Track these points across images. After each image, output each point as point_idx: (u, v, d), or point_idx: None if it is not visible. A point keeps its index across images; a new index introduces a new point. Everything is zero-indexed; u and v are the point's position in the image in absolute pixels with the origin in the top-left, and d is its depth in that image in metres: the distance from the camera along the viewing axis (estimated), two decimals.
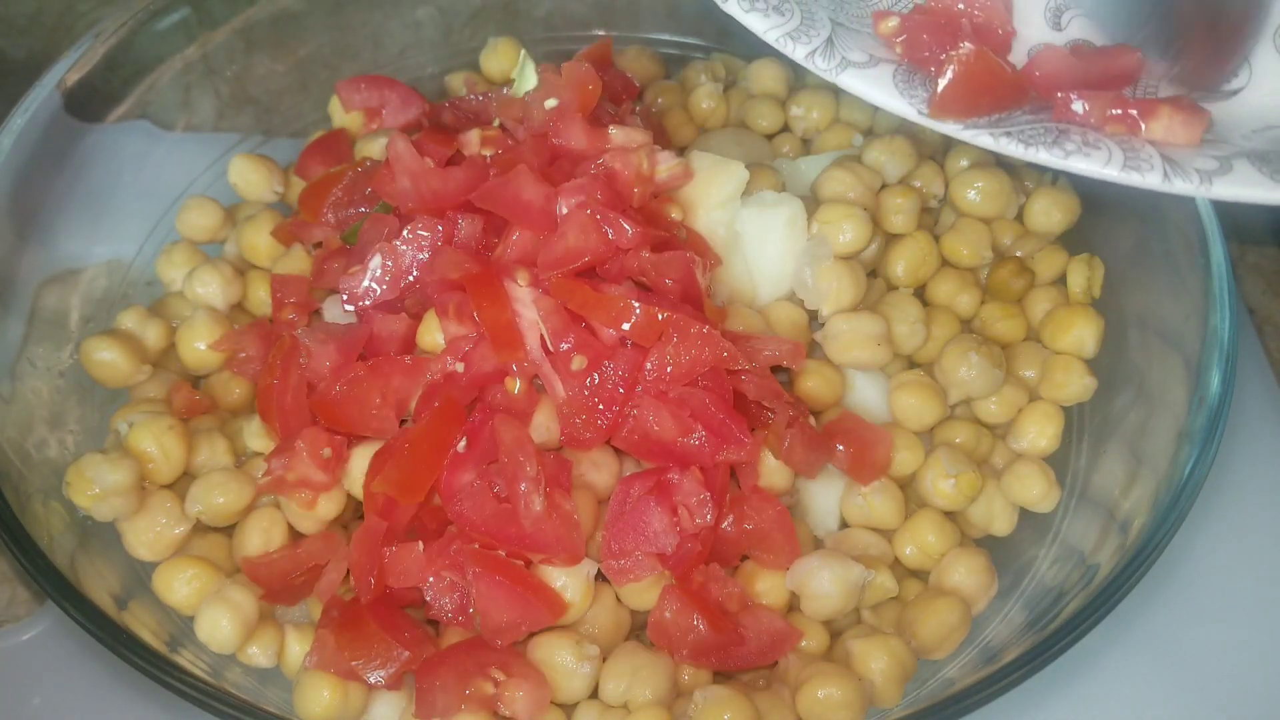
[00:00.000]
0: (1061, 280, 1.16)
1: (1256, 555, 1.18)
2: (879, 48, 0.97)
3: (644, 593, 0.94)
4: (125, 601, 0.95)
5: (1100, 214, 1.18)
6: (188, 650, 0.94)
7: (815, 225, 1.09)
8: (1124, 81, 0.96)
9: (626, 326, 0.94)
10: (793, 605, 0.98)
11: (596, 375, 0.94)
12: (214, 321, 1.09)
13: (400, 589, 0.92)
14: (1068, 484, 1.08)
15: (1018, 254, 1.17)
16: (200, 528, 1.01)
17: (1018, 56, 1.01)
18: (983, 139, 0.91)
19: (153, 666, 0.87)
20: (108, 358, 1.07)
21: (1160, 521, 0.92)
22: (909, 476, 1.05)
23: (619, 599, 0.96)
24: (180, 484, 1.02)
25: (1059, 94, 0.92)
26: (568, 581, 0.92)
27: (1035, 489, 1.04)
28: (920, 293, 1.15)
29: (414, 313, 1.01)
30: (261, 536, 0.98)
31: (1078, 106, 0.91)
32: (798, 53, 0.95)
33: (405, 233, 1.00)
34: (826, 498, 1.04)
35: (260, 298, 1.14)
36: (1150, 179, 0.88)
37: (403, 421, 0.98)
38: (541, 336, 0.96)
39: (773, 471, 0.98)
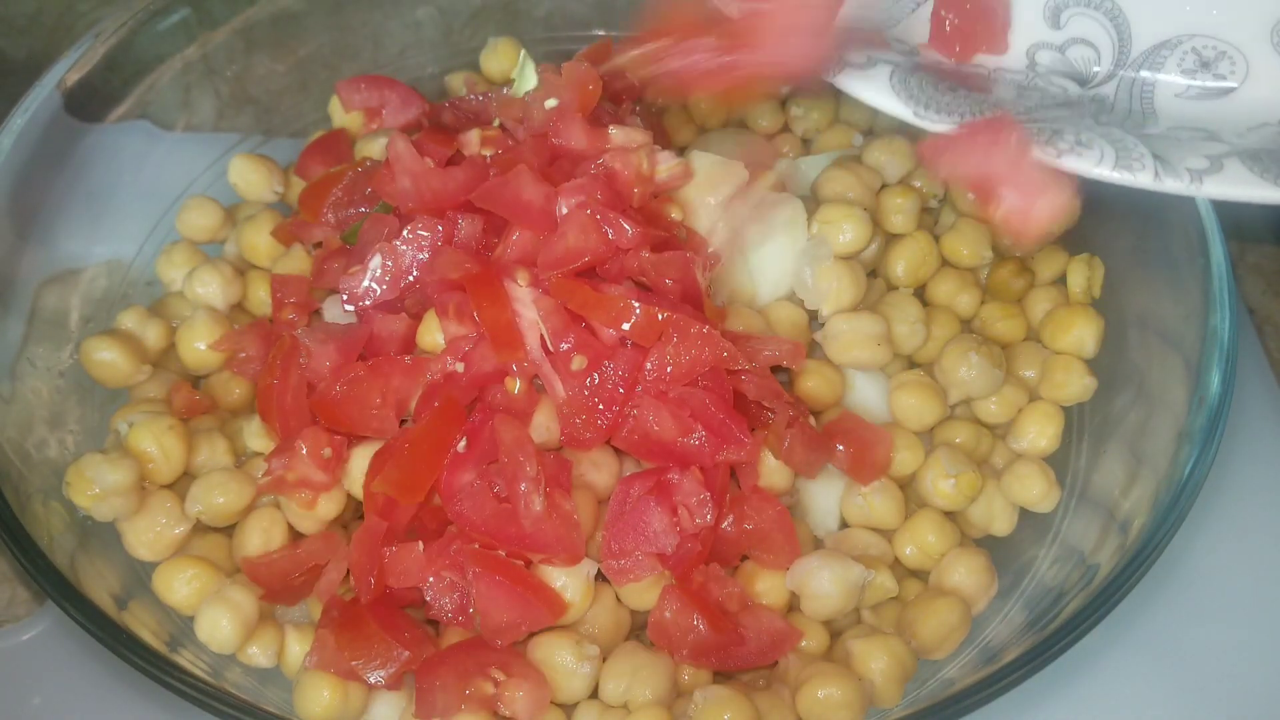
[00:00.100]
0: (1061, 280, 1.16)
1: (1256, 555, 1.18)
2: (876, 49, 0.97)
3: (644, 593, 0.94)
4: (125, 601, 0.95)
5: (1100, 214, 1.18)
6: (188, 650, 0.94)
7: (815, 225, 1.09)
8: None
9: (626, 326, 0.94)
10: (793, 605, 0.98)
11: (596, 375, 0.94)
12: (214, 321, 1.09)
13: (400, 589, 0.92)
14: (1068, 484, 1.08)
15: (1018, 254, 1.17)
16: (200, 528, 1.01)
17: (1015, 55, 1.01)
18: None
19: (153, 666, 0.87)
20: (108, 358, 1.07)
21: (1160, 521, 0.92)
22: (909, 476, 1.05)
23: (619, 599, 0.96)
24: (180, 484, 1.02)
25: None
26: (568, 581, 0.92)
27: (1035, 489, 1.04)
28: (920, 293, 1.15)
29: (414, 313, 1.01)
30: (261, 536, 0.98)
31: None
32: None
33: (405, 233, 1.00)
34: (826, 498, 1.04)
35: (260, 298, 1.14)
36: (1141, 178, 0.89)
37: (403, 421, 0.98)
38: (541, 336, 0.96)
39: (773, 471, 0.98)
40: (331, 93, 1.26)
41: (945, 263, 1.16)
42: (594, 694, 0.93)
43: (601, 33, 1.40)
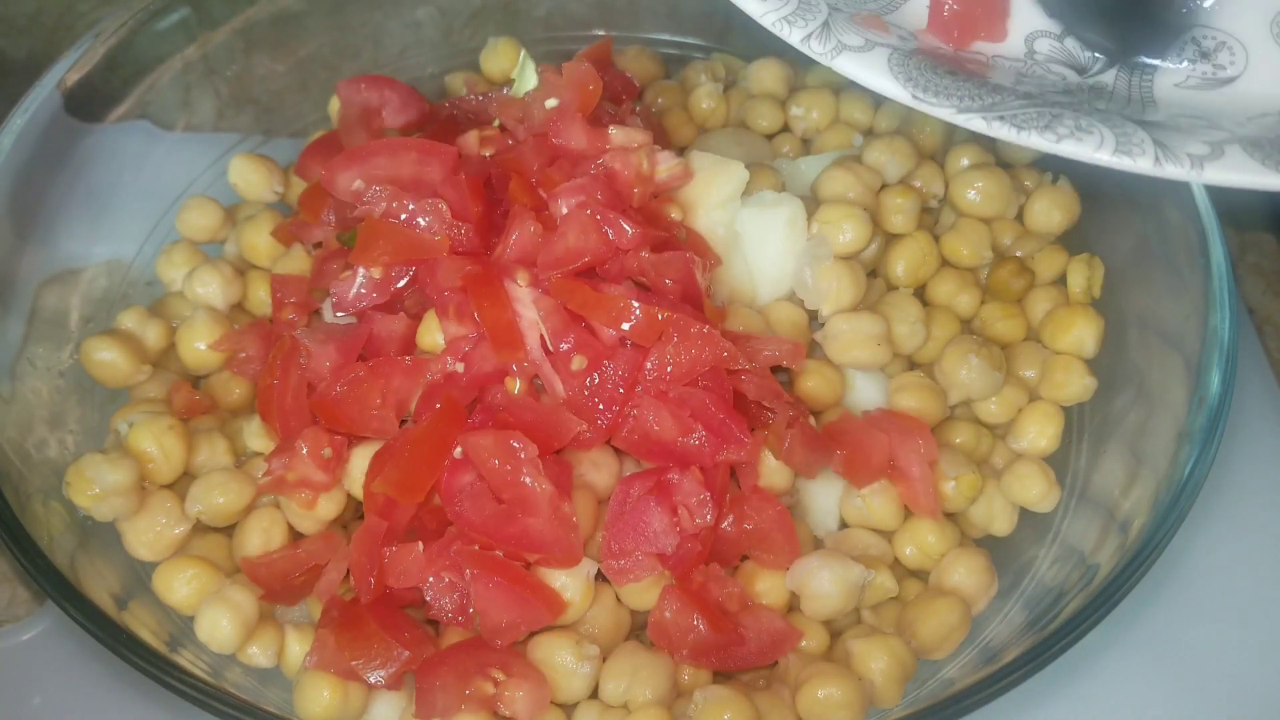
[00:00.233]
0: (1061, 280, 1.16)
1: (1256, 555, 1.18)
2: (875, 32, 0.96)
3: (644, 593, 0.94)
4: (125, 601, 0.95)
5: (1100, 214, 1.18)
6: (188, 650, 0.94)
7: (815, 225, 1.09)
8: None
9: (626, 326, 0.94)
10: (793, 605, 0.98)
11: (596, 375, 0.94)
12: (214, 321, 1.09)
13: (400, 589, 0.92)
14: (1068, 484, 1.08)
15: (1018, 254, 1.17)
16: (200, 528, 1.01)
17: (1014, 43, 1.01)
18: (975, 123, 0.90)
19: (153, 666, 0.87)
20: (108, 358, 1.07)
21: (1160, 521, 0.92)
22: None
23: (619, 599, 0.96)
24: (180, 484, 1.02)
25: None
26: (567, 581, 0.92)
27: (1035, 489, 1.04)
28: (920, 293, 1.15)
29: (414, 313, 1.02)
30: (261, 536, 0.98)
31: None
32: (793, 36, 0.94)
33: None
34: (826, 498, 1.04)
35: (260, 298, 1.14)
36: (1141, 163, 0.88)
37: (403, 422, 0.98)
38: (541, 336, 0.96)
39: (773, 471, 0.98)
40: (331, 93, 1.26)
41: (945, 263, 1.16)
42: (594, 694, 0.93)
43: (601, 33, 1.40)
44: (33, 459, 1.02)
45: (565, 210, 0.99)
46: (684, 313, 0.95)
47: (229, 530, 1.02)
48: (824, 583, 0.95)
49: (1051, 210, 1.17)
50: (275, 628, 0.97)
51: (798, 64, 1.30)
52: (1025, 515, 1.07)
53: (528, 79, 1.17)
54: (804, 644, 0.96)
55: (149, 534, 0.99)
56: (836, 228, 1.08)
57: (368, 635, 0.90)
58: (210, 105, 1.30)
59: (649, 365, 0.94)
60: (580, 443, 0.94)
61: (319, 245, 1.12)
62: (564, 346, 0.95)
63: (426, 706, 0.88)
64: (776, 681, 0.95)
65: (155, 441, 1.00)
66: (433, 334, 0.99)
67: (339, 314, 1.03)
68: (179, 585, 0.97)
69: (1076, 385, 1.09)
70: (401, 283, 1.01)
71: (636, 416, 0.94)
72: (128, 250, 1.21)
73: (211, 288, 1.13)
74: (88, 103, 1.17)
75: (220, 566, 0.99)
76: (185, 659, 0.91)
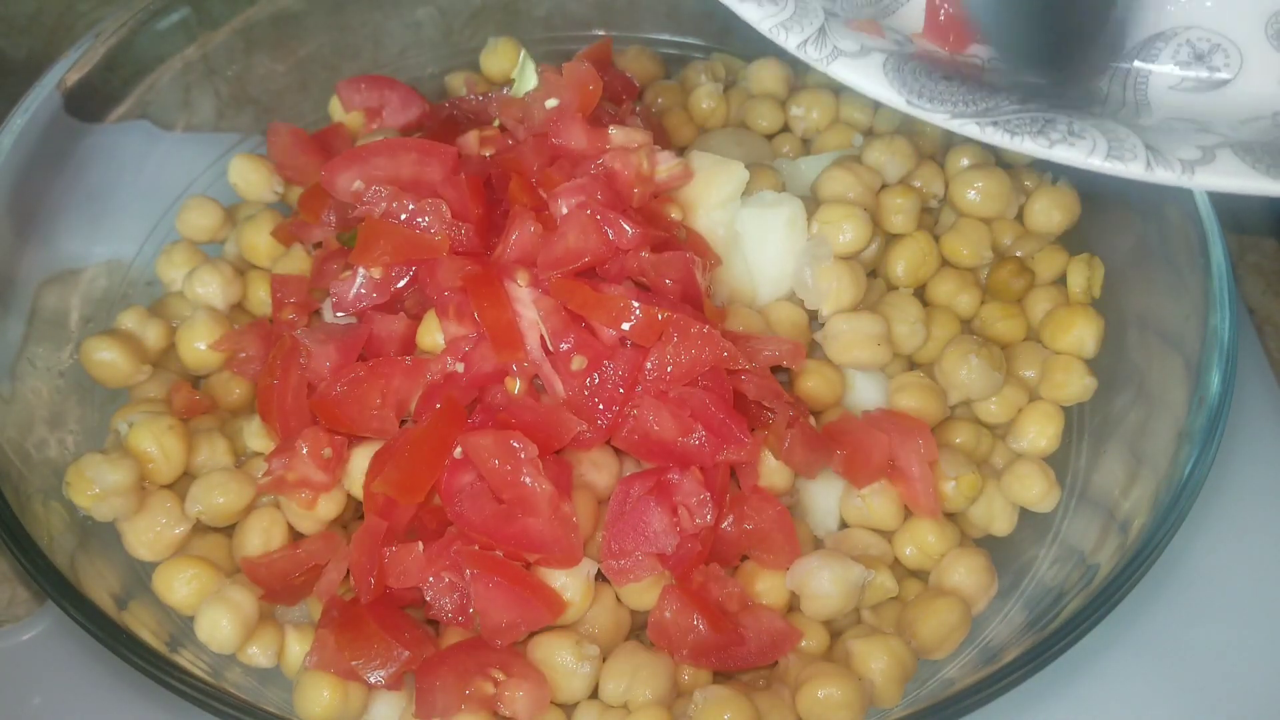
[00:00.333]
0: (1061, 280, 1.16)
1: (1256, 555, 1.18)
2: (870, 37, 0.96)
3: (644, 593, 0.94)
4: (125, 601, 0.95)
5: (1100, 214, 1.18)
6: (188, 650, 0.94)
7: (815, 225, 1.09)
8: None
9: (626, 326, 0.94)
10: (793, 605, 0.98)
11: (596, 375, 0.94)
12: (214, 321, 1.09)
13: (400, 589, 0.92)
14: (1068, 484, 1.08)
15: (1018, 254, 1.17)
16: (200, 528, 1.01)
17: None
18: (969, 128, 0.91)
19: (153, 666, 0.87)
20: (108, 358, 1.07)
21: (1160, 521, 0.92)
22: None
23: (619, 599, 0.96)
24: (180, 484, 1.02)
25: None
26: (567, 581, 0.92)
27: (1035, 489, 1.04)
28: (920, 293, 1.15)
29: (414, 313, 1.02)
30: (261, 536, 0.98)
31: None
32: (790, 42, 0.95)
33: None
34: (826, 498, 1.04)
35: (260, 298, 1.14)
36: (1133, 168, 0.88)
37: (403, 422, 0.98)
38: (541, 336, 0.96)
39: (773, 471, 0.98)
40: (331, 93, 1.26)
41: (945, 263, 1.16)
42: (594, 694, 0.93)
43: (601, 33, 1.40)
44: (33, 459, 1.02)
45: (565, 210, 0.99)
46: (684, 313, 0.95)
47: (229, 530, 1.02)
48: (824, 583, 0.95)
49: (1051, 210, 1.17)
50: (275, 628, 0.97)
51: (798, 64, 1.29)
52: (1025, 515, 1.07)
53: (528, 79, 1.17)
54: (804, 644, 0.96)
55: (149, 534, 0.99)
56: (836, 228, 1.08)
57: (368, 635, 0.90)
58: (210, 105, 1.30)
59: (649, 365, 0.94)
60: (580, 443, 0.94)
61: (319, 245, 1.12)
62: (564, 346, 0.95)
63: (426, 706, 0.88)
64: (776, 681, 0.95)
65: (155, 441, 1.00)
66: (433, 334, 0.99)
67: (339, 314, 1.03)
68: (179, 585, 0.97)
69: (1076, 385, 1.09)
70: (401, 283, 1.01)
71: (636, 416, 0.94)
72: (128, 250, 1.21)
73: (211, 288, 1.13)
74: (88, 103, 1.17)
75: (220, 566, 0.99)
76: (185, 659, 0.91)
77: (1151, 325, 1.09)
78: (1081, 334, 1.09)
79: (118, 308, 1.15)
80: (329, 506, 0.98)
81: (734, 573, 0.98)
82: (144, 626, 0.92)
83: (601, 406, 0.94)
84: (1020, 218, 1.20)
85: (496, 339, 0.95)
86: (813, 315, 1.09)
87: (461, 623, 0.92)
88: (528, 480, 0.89)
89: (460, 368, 0.97)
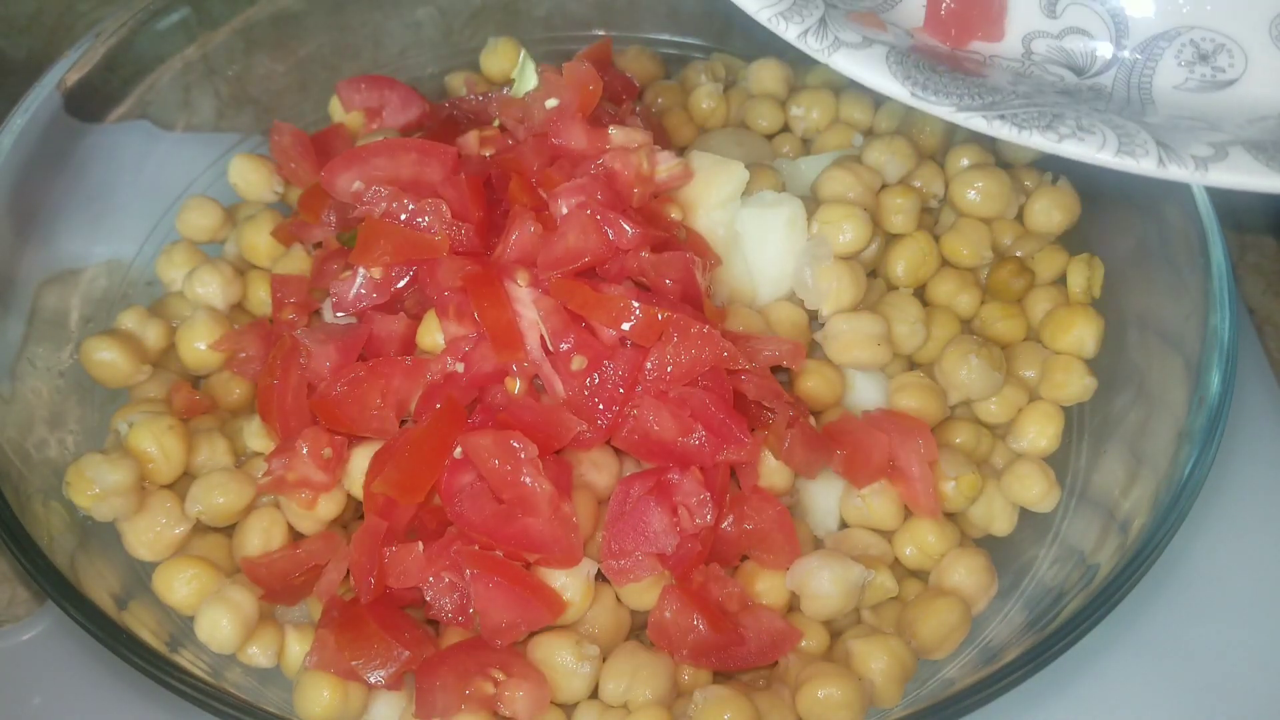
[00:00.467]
0: (1061, 280, 1.16)
1: (1256, 555, 1.18)
2: (872, 30, 0.96)
3: (644, 593, 0.94)
4: (125, 601, 0.95)
5: (1100, 214, 1.18)
6: (188, 650, 0.94)
7: (815, 225, 1.09)
8: None
9: (626, 326, 0.94)
10: (793, 605, 0.98)
11: (596, 375, 0.94)
12: (214, 321, 1.09)
13: (400, 589, 0.92)
14: (1068, 484, 1.08)
15: (1018, 254, 1.17)
16: (200, 528, 1.01)
17: (1011, 43, 1.00)
18: (975, 121, 0.90)
19: (153, 666, 0.87)
20: (108, 358, 1.07)
21: (1160, 521, 0.92)
22: None
23: (619, 599, 0.96)
24: (180, 484, 1.02)
25: None
26: (567, 581, 0.92)
27: (1035, 489, 1.04)
28: (920, 293, 1.15)
29: (414, 313, 1.02)
30: (261, 536, 0.98)
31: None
32: (790, 33, 0.94)
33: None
34: (826, 498, 1.04)
35: (260, 298, 1.14)
36: (1145, 164, 0.87)
37: (403, 422, 0.98)
38: (541, 336, 0.96)
39: (773, 471, 0.98)
40: (331, 93, 1.26)
41: (945, 263, 1.16)
42: (594, 694, 0.93)
43: (601, 33, 1.40)
44: (33, 459, 1.02)
45: (565, 210, 0.99)
46: (684, 313, 0.95)
47: (229, 530, 1.02)
48: (824, 583, 0.95)
49: (1051, 210, 1.17)
50: (275, 628, 0.97)
51: (798, 64, 1.30)
52: (1025, 515, 1.07)
53: (528, 79, 1.17)
54: (804, 644, 0.96)
55: (149, 534, 0.99)
56: (836, 228, 1.08)
57: (368, 635, 0.90)
58: (210, 105, 1.30)
59: (649, 365, 0.94)
60: (580, 443, 0.94)
61: (319, 245, 1.12)
62: (564, 346, 0.95)
63: (426, 706, 0.88)
64: (776, 681, 0.95)
65: (155, 441, 1.00)
66: (433, 334, 0.99)
67: (339, 314, 1.03)
68: (179, 585, 0.97)
69: (1076, 385, 1.08)
70: (401, 283, 1.01)
71: (636, 416, 0.94)
72: (128, 250, 1.21)
73: (211, 288, 1.13)
74: (88, 103, 1.17)
75: (220, 566, 0.99)
76: (185, 659, 0.91)
77: (1151, 325, 1.09)
78: (1081, 334, 1.09)
79: (118, 308, 1.15)
80: (329, 506, 0.98)
81: (734, 573, 0.98)
82: (144, 626, 0.92)
83: (601, 406, 0.94)
84: (1020, 218, 1.20)
85: (496, 339, 0.95)
86: (813, 315, 1.09)
87: (461, 623, 0.92)
88: (528, 480, 0.89)
89: (460, 368, 0.97)
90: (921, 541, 1.01)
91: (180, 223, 1.20)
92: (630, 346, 0.96)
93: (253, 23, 1.29)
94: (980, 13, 1.00)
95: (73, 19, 1.58)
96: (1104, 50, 1.00)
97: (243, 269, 1.16)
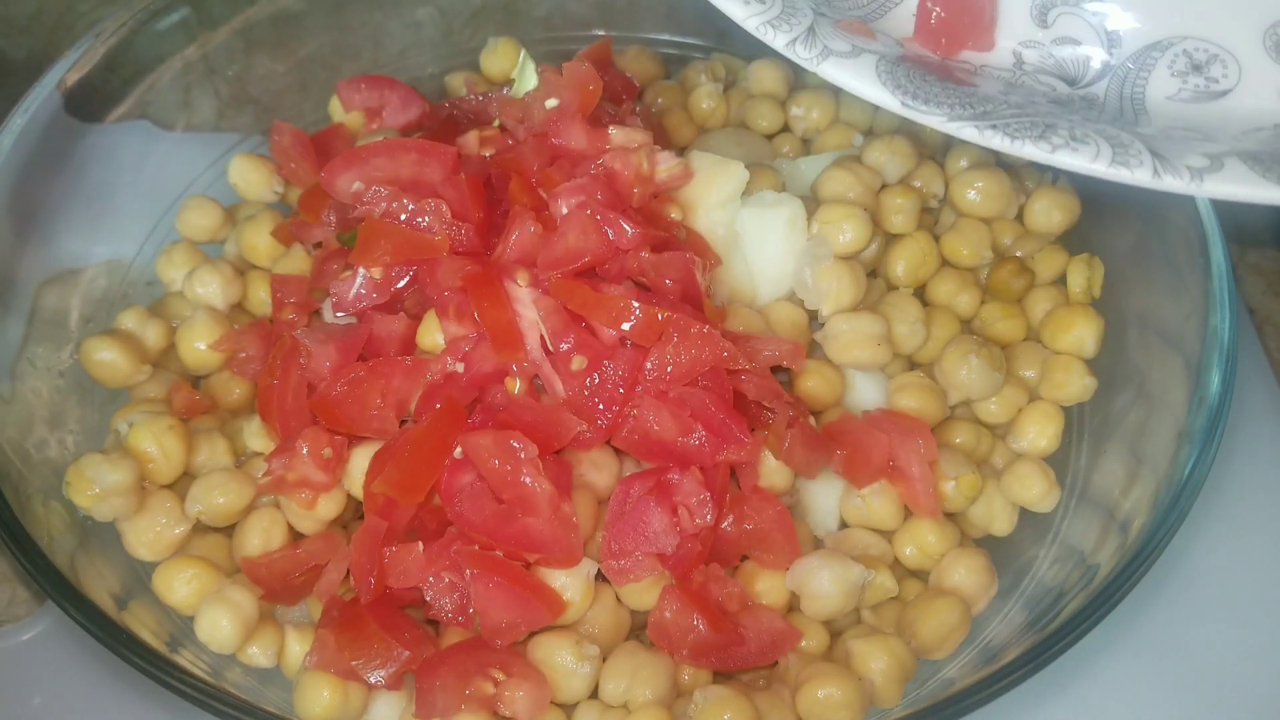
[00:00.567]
0: (1061, 280, 1.16)
1: (1256, 555, 1.18)
2: (862, 39, 0.96)
3: (644, 593, 0.94)
4: (125, 601, 0.95)
5: (1100, 214, 1.18)
6: (188, 650, 0.94)
7: (815, 225, 1.09)
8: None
9: (626, 326, 0.94)
10: (793, 605, 0.98)
11: (596, 375, 0.94)
12: (214, 321, 1.09)
13: (400, 589, 0.92)
14: (1068, 484, 1.08)
15: (1018, 254, 1.17)
16: (200, 528, 1.01)
17: (1002, 53, 1.00)
18: (967, 131, 0.89)
19: (153, 666, 0.87)
20: (108, 358, 1.07)
21: (1160, 521, 0.92)
22: None
23: (619, 599, 0.96)
24: (180, 484, 1.02)
25: None
26: (567, 581, 0.92)
27: (1035, 489, 1.04)
28: (920, 293, 1.15)
29: (414, 313, 1.02)
30: (261, 536, 0.98)
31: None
32: (778, 41, 0.93)
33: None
34: (826, 498, 1.04)
35: (260, 298, 1.14)
36: (1139, 175, 0.86)
37: (403, 422, 0.98)
38: (541, 336, 0.96)
39: (773, 471, 0.98)
40: (331, 93, 1.26)
41: (945, 263, 1.16)
42: (594, 694, 0.93)
43: (601, 33, 1.40)
44: (33, 459, 1.02)
45: (565, 210, 0.99)
46: (684, 313, 0.95)
47: (229, 530, 1.02)
48: (824, 583, 0.95)
49: (1051, 210, 1.17)
50: (275, 628, 0.97)
51: (797, 64, 1.30)
52: (1025, 515, 1.07)
53: (528, 79, 1.17)
54: (804, 644, 0.96)
55: (149, 534, 0.99)
56: (836, 228, 1.08)
57: (368, 635, 0.90)
58: (210, 105, 1.30)
59: (649, 365, 0.94)
60: (580, 443, 0.94)
61: (319, 245, 1.12)
62: (564, 346, 0.95)
63: (426, 706, 0.88)
64: (776, 681, 0.95)
65: (155, 441, 1.00)
66: (433, 334, 0.99)
67: (339, 314, 1.03)
68: (179, 585, 0.97)
69: (1076, 385, 1.09)
70: (401, 283, 1.01)
71: (636, 416, 0.94)
72: (128, 250, 1.21)
73: (211, 288, 1.13)
74: (88, 103, 1.17)
75: (220, 566, 0.99)
76: (185, 659, 0.91)
77: (1151, 325, 1.09)
78: (1081, 334, 1.09)
79: (118, 308, 1.15)
80: (329, 506, 0.98)
81: (734, 573, 0.98)
82: (144, 626, 0.92)
83: (601, 406, 0.94)
84: (1020, 218, 1.20)
85: (496, 339, 0.95)
86: (813, 315, 1.09)
87: (461, 623, 0.92)
88: (528, 480, 0.89)
89: (460, 368, 0.97)
90: (921, 541, 1.01)
91: (180, 223, 1.20)
92: (630, 346, 0.96)
93: (253, 23, 1.29)
94: (971, 22, 0.99)
95: (73, 19, 1.58)
96: (1096, 60, 1.00)
97: (243, 269, 1.16)
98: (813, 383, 1.04)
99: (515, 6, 1.40)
